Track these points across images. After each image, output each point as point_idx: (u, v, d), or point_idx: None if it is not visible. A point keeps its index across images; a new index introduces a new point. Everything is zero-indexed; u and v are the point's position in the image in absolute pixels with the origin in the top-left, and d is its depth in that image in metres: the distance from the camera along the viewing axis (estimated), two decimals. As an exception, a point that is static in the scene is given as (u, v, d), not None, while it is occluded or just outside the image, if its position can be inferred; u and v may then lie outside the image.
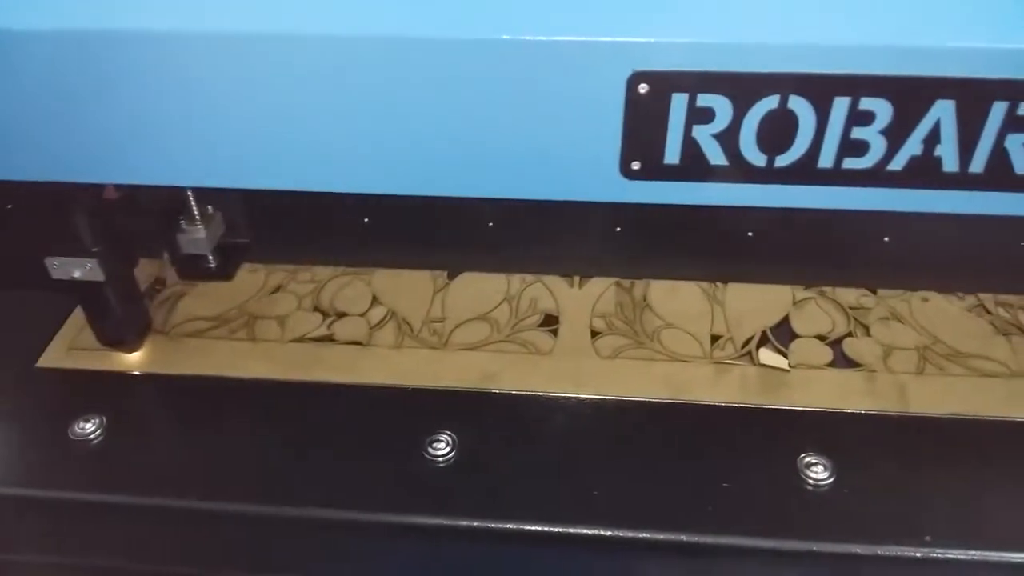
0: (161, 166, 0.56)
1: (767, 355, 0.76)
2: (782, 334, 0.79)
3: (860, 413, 0.70)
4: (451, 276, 0.86)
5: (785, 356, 0.76)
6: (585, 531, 0.62)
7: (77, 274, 0.69)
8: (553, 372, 0.75)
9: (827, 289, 0.83)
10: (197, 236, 0.71)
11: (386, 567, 0.65)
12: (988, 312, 0.81)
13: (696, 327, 0.80)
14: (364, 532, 0.65)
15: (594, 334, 0.79)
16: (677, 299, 0.83)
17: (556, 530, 0.63)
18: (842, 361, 0.76)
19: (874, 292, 0.83)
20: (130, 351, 0.77)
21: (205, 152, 0.55)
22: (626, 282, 0.85)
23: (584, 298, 0.84)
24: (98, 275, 0.69)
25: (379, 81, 0.51)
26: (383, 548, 0.65)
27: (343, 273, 0.86)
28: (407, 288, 0.84)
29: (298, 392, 0.73)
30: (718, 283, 0.84)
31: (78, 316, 0.80)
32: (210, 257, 0.73)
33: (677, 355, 0.77)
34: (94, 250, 0.68)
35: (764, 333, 0.79)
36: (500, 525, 0.63)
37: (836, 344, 0.77)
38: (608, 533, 0.62)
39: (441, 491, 0.65)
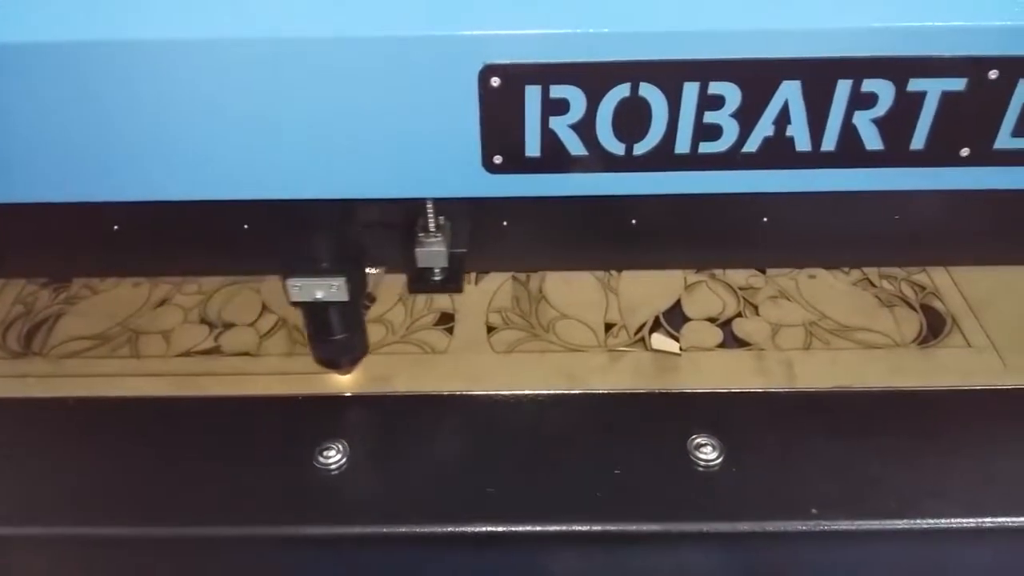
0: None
1: (659, 340, 0.76)
2: (675, 318, 0.80)
3: (748, 392, 0.71)
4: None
5: (677, 340, 0.77)
6: (479, 529, 0.62)
7: (320, 295, 0.65)
8: (448, 371, 0.75)
9: (718, 272, 0.84)
10: (436, 248, 0.68)
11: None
12: (873, 285, 0.83)
13: (591, 316, 0.80)
14: (255, 546, 0.63)
15: (490, 329, 0.79)
16: (572, 290, 0.83)
17: (450, 530, 0.62)
18: (732, 341, 0.77)
19: (763, 272, 0.84)
20: (345, 373, 0.73)
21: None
22: (522, 276, 0.85)
23: (480, 294, 0.83)
24: (343, 295, 0.65)
25: (235, 84, 0.49)
26: (276, 561, 0.64)
27: (231, 283, 0.84)
28: (298, 294, 0.82)
29: (185, 408, 0.71)
30: (612, 272, 0.85)
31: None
32: (436, 269, 0.70)
33: (571, 345, 0.77)
34: (341, 269, 0.65)
35: (657, 318, 0.79)
36: (393, 529, 0.62)
37: (726, 325, 0.79)
38: (501, 529, 0.62)
39: (332, 499, 0.64)
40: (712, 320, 0.79)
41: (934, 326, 0.78)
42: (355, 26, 0.48)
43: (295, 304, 0.66)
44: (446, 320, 0.80)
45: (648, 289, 0.83)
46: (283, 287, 0.65)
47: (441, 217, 0.69)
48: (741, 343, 0.77)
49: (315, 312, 0.68)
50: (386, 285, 0.83)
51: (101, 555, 0.65)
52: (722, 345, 0.77)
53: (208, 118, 0.50)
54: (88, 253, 0.84)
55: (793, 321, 0.79)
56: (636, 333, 0.78)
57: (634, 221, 0.78)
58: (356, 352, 0.73)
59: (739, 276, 0.84)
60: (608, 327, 0.79)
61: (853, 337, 0.77)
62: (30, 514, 0.64)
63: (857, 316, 0.79)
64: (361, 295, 0.69)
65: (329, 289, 0.65)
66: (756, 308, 0.80)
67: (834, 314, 0.79)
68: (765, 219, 0.77)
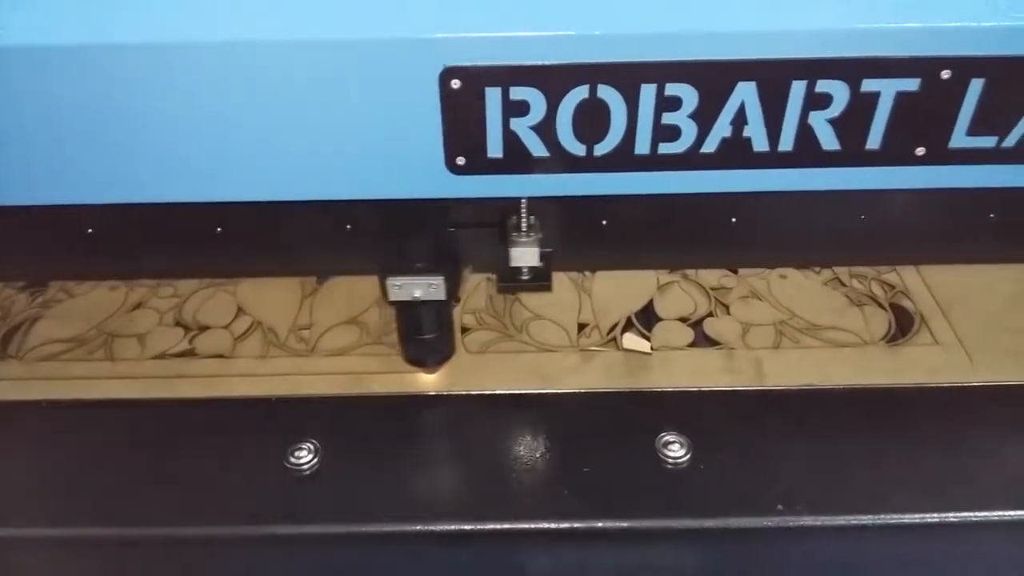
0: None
1: (630, 340, 0.77)
2: (647, 318, 0.80)
3: (717, 390, 0.72)
4: (320, 281, 0.85)
5: (648, 340, 0.77)
6: (449, 527, 0.63)
7: (418, 293, 0.65)
8: (422, 372, 0.75)
9: (690, 272, 0.85)
10: (529, 248, 0.69)
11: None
12: (843, 284, 0.84)
13: (564, 317, 0.81)
14: (226, 546, 0.63)
15: (464, 330, 0.80)
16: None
17: (419, 529, 0.62)
18: (703, 341, 0.78)
19: (735, 272, 0.85)
20: (431, 372, 0.74)
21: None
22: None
23: (455, 295, 0.84)
24: (441, 294, 0.66)
25: (198, 88, 0.50)
26: (247, 561, 0.64)
27: (207, 285, 0.84)
28: (274, 296, 0.83)
29: (159, 410, 0.72)
30: (586, 272, 0.86)
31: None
32: (524, 268, 0.71)
33: (544, 346, 0.78)
34: (440, 268, 0.65)
35: (629, 318, 0.80)
36: (363, 529, 0.63)
37: (697, 325, 0.79)
38: (470, 527, 0.62)
39: (303, 499, 0.64)
40: (683, 320, 0.80)
41: (903, 324, 0.79)
42: (316, 30, 0.48)
43: (391, 303, 0.67)
44: (421, 321, 0.81)
45: (621, 290, 0.83)
46: (380, 286, 0.66)
47: (532, 216, 0.69)
48: (712, 342, 0.77)
49: (408, 311, 0.69)
50: (362, 287, 0.84)
51: (72, 556, 0.65)
52: (693, 344, 0.77)
53: (172, 121, 0.51)
54: (65, 256, 0.84)
55: (763, 320, 0.79)
56: (608, 333, 0.79)
57: (604, 222, 0.78)
58: (445, 352, 0.73)
59: (711, 276, 0.85)
60: (581, 327, 0.79)
61: (822, 336, 0.78)
62: (1, 516, 0.64)
63: (827, 315, 0.80)
64: (454, 295, 0.69)
65: (428, 288, 0.66)
66: (727, 308, 0.81)
67: (804, 313, 0.80)
68: (734, 219, 0.78)
